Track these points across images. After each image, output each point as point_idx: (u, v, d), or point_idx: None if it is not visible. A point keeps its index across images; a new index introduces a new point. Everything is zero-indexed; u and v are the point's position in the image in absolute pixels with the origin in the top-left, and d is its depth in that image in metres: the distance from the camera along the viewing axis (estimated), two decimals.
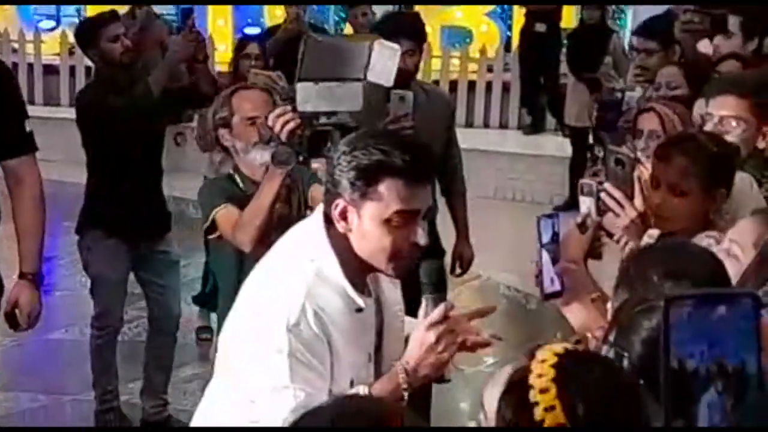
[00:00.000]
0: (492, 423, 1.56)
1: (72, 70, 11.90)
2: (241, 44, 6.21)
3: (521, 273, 6.86)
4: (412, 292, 2.80)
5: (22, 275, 3.84)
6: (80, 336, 6.40)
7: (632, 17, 11.46)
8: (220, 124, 3.79)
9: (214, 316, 5.65)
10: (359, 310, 2.51)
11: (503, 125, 11.18)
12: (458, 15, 12.30)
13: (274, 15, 11.11)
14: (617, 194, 2.85)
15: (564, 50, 10.19)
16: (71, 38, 12.16)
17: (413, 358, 2.46)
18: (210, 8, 12.36)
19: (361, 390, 2.47)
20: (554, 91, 10.45)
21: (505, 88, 11.15)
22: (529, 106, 10.95)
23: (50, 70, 12.05)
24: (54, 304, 6.99)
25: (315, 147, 3.24)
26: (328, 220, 2.49)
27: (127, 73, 4.95)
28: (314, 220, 2.55)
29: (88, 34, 5.03)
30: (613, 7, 11.79)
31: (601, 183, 2.87)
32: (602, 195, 2.84)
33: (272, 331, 2.41)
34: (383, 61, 3.31)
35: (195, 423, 2.75)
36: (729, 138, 3.25)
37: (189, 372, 5.34)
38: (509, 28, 12.00)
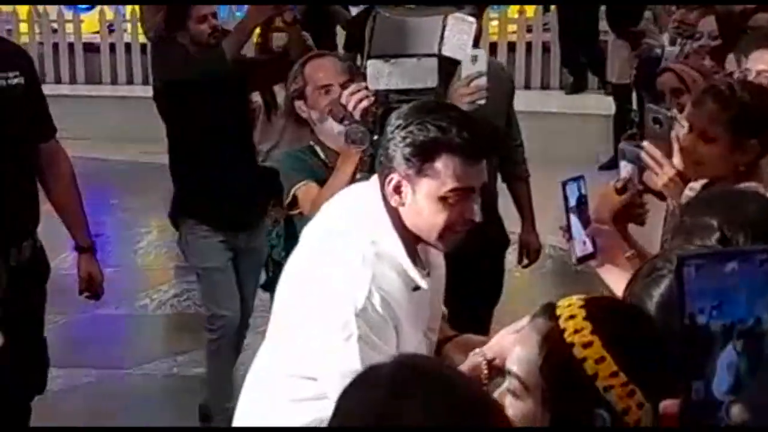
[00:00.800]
0: (531, 389, 1.54)
1: (112, 47, 11.95)
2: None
3: None
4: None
5: (81, 249, 3.95)
6: (130, 311, 6.47)
7: None
8: (294, 95, 3.67)
9: None
10: (416, 288, 2.49)
11: (545, 86, 11.08)
12: None
13: None
14: (656, 153, 2.81)
15: (603, 7, 10.06)
16: (109, 16, 12.22)
17: (502, 358, 2.29)
18: None
19: None
20: (594, 49, 10.33)
21: (546, 48, 11.04)
22: (570, 65, 10.84)
23: (91, 48, 12.11)
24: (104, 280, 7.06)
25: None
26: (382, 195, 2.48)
27: (214, 53, 4.66)
28: (372, 195, 2.51)
29: (176, 16, 4.78)
30: None
31: (641, 147, 2.84)
32: (641, 154, 2.80)
33: (340, 317, 2.39)
34: (457, 34, 3.24)
35: (245, 395, 2.75)
36: None
37: None
38: None
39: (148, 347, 5.98)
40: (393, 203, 2.45)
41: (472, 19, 3.24)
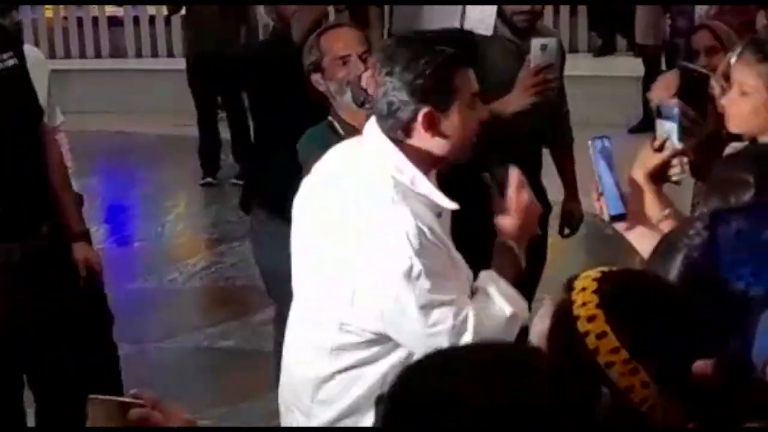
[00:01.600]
0: None
1: (136, 20, 11.93)
2: None
3: None
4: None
5: (75, 236, 3.83)
6: (159, 284, 6.47)
7: None
8: (311, 69, 3.58)
9: None
10: (439, 214, 2.54)
11: (573, 49, 10.98)
12: None
13: None
14: (690, 112, 2.76)
15: None
16: None
17: (515, 226, 2.61)
18: None
19: (487, 277, 2.58)
20: (624, 10, 10.23)
21: (573, 10, 10.93)
22: (599, 27, 10.74)
23: (115, 21, 12.08)
24: (133, 254, 7.08)
25: None
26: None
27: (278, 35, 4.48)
28: (373, 143, 2.56)
29: None
30: None
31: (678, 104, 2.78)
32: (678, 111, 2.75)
33: (401, 264, 2.44)
34: (480, 7, 3.20)
35: (295, 372, 2.72)
36: None
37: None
38: None
39: (178, 320, 5.97)
40: (426, 138, 2.51)
41: None
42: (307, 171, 3.41)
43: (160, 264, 6.79)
